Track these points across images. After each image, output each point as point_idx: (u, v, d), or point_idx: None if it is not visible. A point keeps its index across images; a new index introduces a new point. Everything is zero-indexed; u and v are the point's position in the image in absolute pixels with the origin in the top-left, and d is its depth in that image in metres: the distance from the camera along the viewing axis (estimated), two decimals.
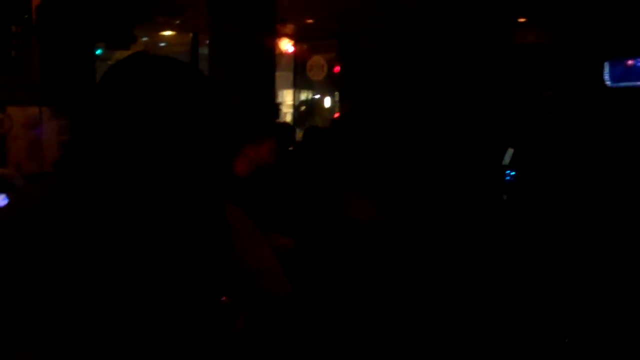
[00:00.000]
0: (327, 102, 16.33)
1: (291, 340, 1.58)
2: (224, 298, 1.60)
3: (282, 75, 14.43)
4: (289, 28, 11.77)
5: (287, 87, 16.84)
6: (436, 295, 4.18)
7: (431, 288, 4.13)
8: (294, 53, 14.03)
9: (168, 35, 13.12)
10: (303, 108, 16.26)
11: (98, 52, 8.48)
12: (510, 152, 7.05)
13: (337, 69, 13.26)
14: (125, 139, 1.24)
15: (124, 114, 1.25)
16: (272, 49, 6.49)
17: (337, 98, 14.69)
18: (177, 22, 11.33)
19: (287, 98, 17.64)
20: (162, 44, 14.04)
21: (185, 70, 1.33)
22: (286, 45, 13.20)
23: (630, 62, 9.38)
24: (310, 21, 11.23)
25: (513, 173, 6.71)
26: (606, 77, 9.50)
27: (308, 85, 15.89)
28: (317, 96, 16.83)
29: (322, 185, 4.20)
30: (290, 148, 6.14)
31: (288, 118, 16.26)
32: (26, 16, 5.70)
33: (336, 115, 14.13)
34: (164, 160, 1.26)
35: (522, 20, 10.39)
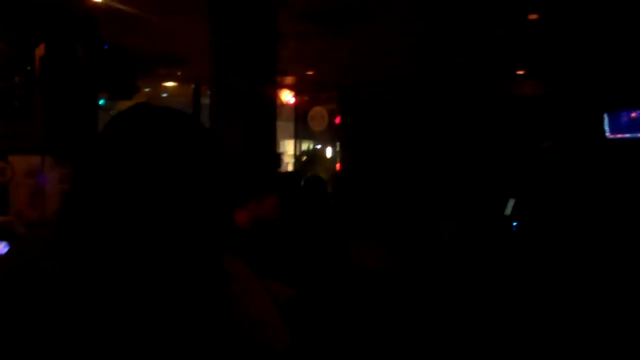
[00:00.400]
0: (329, 152, 16.39)
1: None
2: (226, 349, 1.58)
3: (284, 125, 14.52)
4: (290, 79, 11.88)
5: (288, 137, 16.93)
6: (443, 342, 4.13)
7: (438, 335, 4.09)
8: (295, 104, 14.13)
9: (170, 86, 13.24)
10: (304, 158, 16.33)
11: (101, 102, 8.55)
12: (511, 202, 7.05)
13: (338, 119, 13.35)
14: (124, 190, 1.25)
15: (123, 165, 1.26)
16: (273, 99, 6.53)
17: (338, 148, 14.76)
18: (179, 73, 11.45)
19: (288, 148, 17.72)
20: (165, 95, 14.16)
21: (185, 122, 1.35)
22: (287, 96, 13.31)
23: (631, 114, 9.45)
24: (310, 73, 11.34)
25: (515, 223, 6.70)
26: (606, 128, 9.56)
27: (309, 135, 15.98)
28: (319, 146, 16.91)
29: (329, 232, 4.18)
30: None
31: (290, 168, 16.30)
32: (29, 67, 5.76)
33: (337, 165, 14.17)
34: (162, 212, 1.26)
35: (521, 72, 10.50)
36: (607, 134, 9.49)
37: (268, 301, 1.55)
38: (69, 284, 1.30)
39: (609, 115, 9.55)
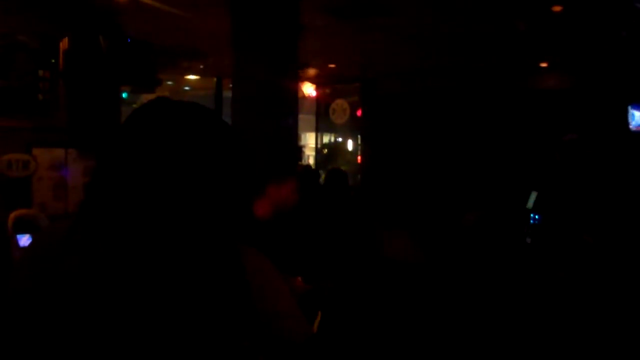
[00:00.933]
0: (350, 144, 16.38)
1: None
2: (246, 343, 1.58)
3: (305, 118, 14.53)
4: (312, 72, 11.88)
5: (309, 130, 16.94)
6: (459, 333, 4.15)
7: (455, 326, 4.11)
8: (317, 97, 14.12)
9: (192, 79, 13.28)
10: (325, 151, 16.33)
11: (124, 95, 8.60)
12: (534, 195, 7.00)
13: (359, 112, 13.32)
14: (144, 182, 1.27)
15: (143, 158, 1.27)
16: (295, 92, 6.53)
17: (359, 141, 14.74)
18: (202, 66, 11.48)
19: (309, 141, 17.73)
20: (187, 88, 14.21)
21: (204, 116, 1.36)
22: (309, 89, 13.31)
23: None
24: (332, 66, 11.32)
25: (537, 217, 6.66)
26: (630, 120, 9.45)
27: (331, 128, 15.98)
28: (340, 139, 16.90)
29: (351, 224, 4.18)
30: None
31: (311, 161, 16.32)
32: (53, 61, 5.81)
33: (358, 158, 14.16)
34: (182, 204, 1.27)
35: (544, 65, 10.41)
36: (631, 127, 9.39)
37: (288, 294, 1.55)
38: (87, 281, 1.31)
39: (633, 108, 9.44)
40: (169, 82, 13.08)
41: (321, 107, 14.62)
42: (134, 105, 1.41)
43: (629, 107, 9.40)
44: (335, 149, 16.58)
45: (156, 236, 1.29)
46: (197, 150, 1.29)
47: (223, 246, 1.41)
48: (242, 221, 1.40)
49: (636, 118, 9.39)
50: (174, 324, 1.33)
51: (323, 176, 6.84)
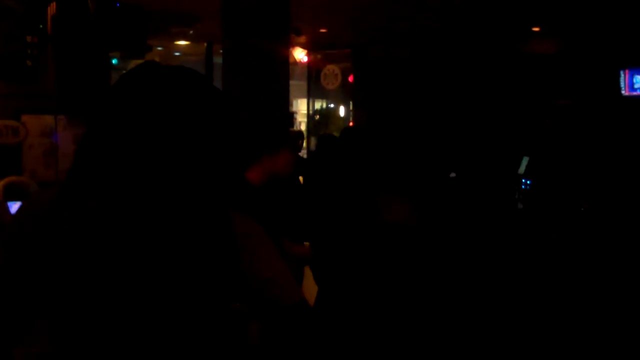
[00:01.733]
0: (342, 111, 16.34)
1: (301, 348, 1.57)
2: (237, 305, 1.59)
3: (297, 84, 14.47)
4: (303, 37, 11.80)
5: (301, 96, 16.89)
6: (441, 299, 4.18)
7: (438, 292, 4.14)
8: (308, 62, 14.06)
9: (183, 45, 13.19)
10: (317, 117, 16.30)
11: (114, 61, 8.53)
12: (525, 160, 7.02)
13: (351, 78, 13.27)
14: (132, 147, 1.26)
15: (132, 122, 1.26)
16: (286, 57, 6.49)
17: (351, 107, 14.71)
18: (192, 32, 11.39)
19: (301, 107, 17.69)
20: (177, 54, 14.11)
21: (194, 79, 1.35)
22: (300, 55, 13.23)
23: None
24: (324, 31, 11.25)
25: (529, 182, 6.68)
26: (622, 85, 9.45)
27: (322, 94, 15.92)
28: (332, 105, 16.86)
29: (355, 189, 4.18)
30: (300, 154, 6.13)
31: (302, 127, 16.29)
32: (41, 26, 5.74)
33: (350, 124, 14.14)
34: (171, 168, 1.27)
35: (536, 29, 10.37)
36: (623, 92, 9.39)
37: (279, 259, 1.55)
38: (76, 240, 1.30)
39: (625, 73, 9.44)
40: (159, 48, 12.98)
41: (312, 72, 14.57)
42: (124, 72, 1.39)
43: (621, 72, 9.40)
44: (327, 115, 16.54)
45: (147, 200, 1.29)
46: (187, 113, 1.28)
47: (214, 210, 1.41)
48: (233, 186, 1.39)
49: (630, 82, 9.39)
50: (163, 284, 1.33)
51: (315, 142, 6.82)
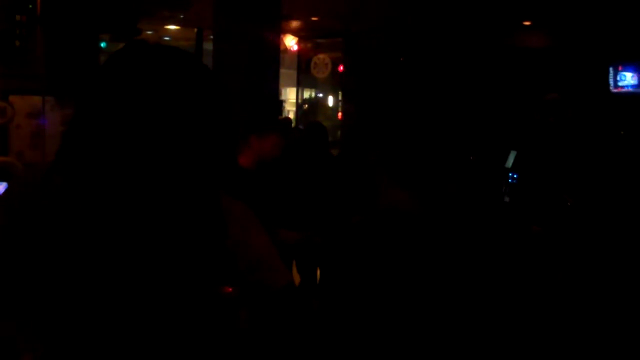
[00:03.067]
0: (331, 100, 16.33)
1: (290, 331, 1.57)
2: (229, 289, 1.58)
3: (286, 73, 14.44)
4: (294, 25, 11.77)
5: (290, 85, 16.86)
6: (435, 294, 4.18)
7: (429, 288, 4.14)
8: (298, 51, 14.03)
9: (173, 30, 13.13)
10: (306, 106, 16.27)
11: (102, 45, 8.47)
12: (513, 154, 7.03)
13: (341, 67, 13.26)
14: (121, 128, 1.24)
15: (120, 103, 1.25)
16: (277, 44, 6.48)
17: (340, 97, 14.70)
18: (182, 16, 11.34)
19: (290, 96, 17.66)
20: (167, 38, 14.04)
21: (183, 59, 1.33)
22: (291, 42, 13.20)
23: (636, 67, 9.36)
24: (315, 19, 11.22)
25: (515, 176, 6.69)
26: (611, 81, 9.49)
27: (312, 83, 15.90)
28: (321, 95, 16.84)
29: (331, 177, 4.19)
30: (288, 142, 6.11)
31: (291, 116, 16.27)
32: (30, 6, 5.69)
33: (339, 114, 14.14)
34: (160, 148, 1.25)
35: (527, 23, 10.39)
36: (612, 88, 9.43)
37: (268, 242, 1.55)
38: (65, 222, 1.30)
39: (614, 69, 9.47)
40: (149, 32, 12.90)
41: (302, 61, 14.54)
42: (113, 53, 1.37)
43: (610, 68, 9.43)
44: (316, 105, 16.52)
45: (134, 181, 1.28)
46: (176, 93, 1.26)
47: (203, 192, 1.40)
48: (224, 168, 1.38)
49: (618, 79, 9.41)
50: (149, 265, 1.33)
51: None
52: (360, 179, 4.10)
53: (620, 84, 9.44)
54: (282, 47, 10.35)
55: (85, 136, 1.28)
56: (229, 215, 1.45)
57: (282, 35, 11.01)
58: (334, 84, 14.81)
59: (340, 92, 14.58)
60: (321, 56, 13.07)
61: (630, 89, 9.36)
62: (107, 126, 1.25)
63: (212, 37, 6.91)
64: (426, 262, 2.05)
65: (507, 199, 6.69)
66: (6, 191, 1.42)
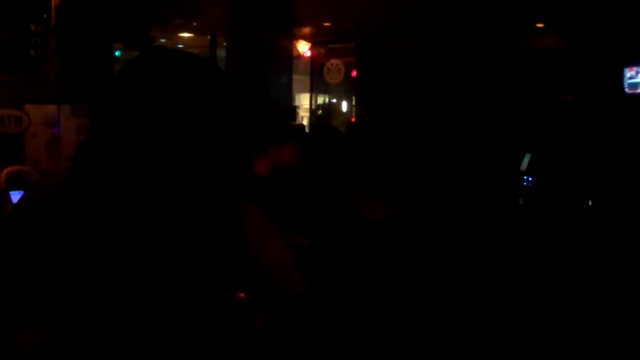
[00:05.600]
0: (344, 106, 16.31)
1: (304, 337, 1.57)
2: (242, 295, 1.59)
3: (300, 79, 14.44)
4: (307, 31, 11.78)
5: (304, 91, 16.86)
6: (446, 295, 4.17)
7: (441, 288, 4.13)
8: (311, 57, 14.03)
9: (186, 37, 13.17)
10: (320, 112, 16.27)
11: (117, 53, 8.51)
12: (527, 157, 7.01)
13: (354, 72, 13.24)
14: (139, 134, 1.24)
15: (139, 108, 1.24)
16: (290, 51, 6.49)
17: (353, 102, 14.68)
18: (195, 24, 11.36)
19: (304, 102, 17.65)
20: (180, 46, 14.08)
21: (201, 65, 1.32)
22: (304, 48, 13.20)
23: None
24: (327, 24, 11.22)
25: (530, 178, 6.67)
26: (625, 83, 9.42)
27: (325, 89, 15.90)
28: (334, 100, 16.83)
29: (334, 185, 4.19)
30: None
31: (305, 122, 16.26)
32: (45, 15, 5.73)
33: (352, 119, 14.11)
34: (179, 155, 1.25)
35: (540, 25, 10.34)
36: (626, 90, 9.36)
37: (284, 249, 1.55)
38: (83, 229, 1.30)
39: (629, 70, 9.40)
40: (162, 40, 12.95)
41: (315, 67, 14.54)
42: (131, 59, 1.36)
43: (625, 69, 9.36)
44: (330, 110, 16.51)
45: (154, 188, 1.28)
46: (194, 99, 1.26)
47: (222, 199, 1.40)
48: (241, 175, 1.38)
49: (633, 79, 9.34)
50: (168, 272, 1.33)
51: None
52: (337, 188, 4.10)
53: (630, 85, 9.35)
54: (295, 53, 10.35)
55: (106, 142, 1.28)
56: (247, 222, 1.45)
57: (294, 41, 11.02)
58: (347, 89, 14.80)
59: (353, 97, 14.56)
60: (334, 61, 13.06)
61: None
62: (126, 132, 1.24)
63: (225, 44, 6.92)
64: (402, 272, 2.06)
65: (521, 202, 6.67)
66: (22, 198, 1.43)
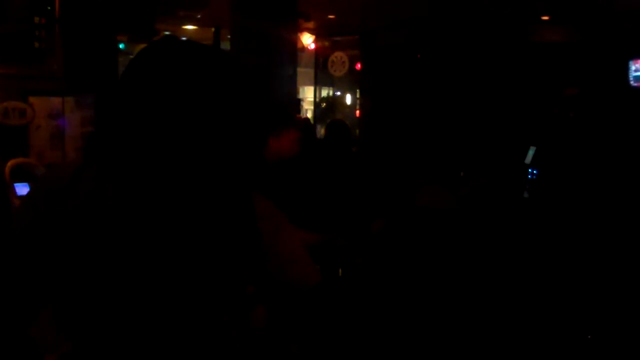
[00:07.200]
0: (348, 99, 16.30)
1: (316, 329, 1.57)
2: (252, 288, 1.58)
3: (304, 72, 14.42)
4: (311, 23, 11.76)
5: (308, 84, 16.85)
6: (445, 295, 4.19)
7: (441, 288, 4.15)
8: (315, 50, 14.01)
9: (190, 29, 13.16)
10: (324, 105, 16.26)
11: (121, 46, 8.51)
12: (532, 150, 6.99)
13: (358, 65, 13.22)
14: (151, 125, 1.22)
15: (151, 100, 1.22)
16: (294, 43, 6.47)
17: (357, 95, 14.66)
18: (199, 16, 11.35)
19: (308, 95, 17.64)
20: (184, 38, 14.05)
21: (214, 55, 1.30)
22: (308, 40, 13.19)
23: None
24: (332, 17, 11.20)
25: (535, 171, 6.66)
26: (630, 76, 9.39)
27: (329, 82, 15.89)
28: (338, 93, 16.82)
29: (388, 175, 4.17)
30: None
31: (309, 114, 16.25)
32: (49, 7, 5.72)
33: (357, 112, 14.11)
34: (192, 147, 1.23)
35: (545, 18, 10.31)
36: (632, 82, 9.33)
37: (297, 241, 1.55)
38: (94, 219, 1.29)
39: (634, 63, 9.37)
40: (166, 32, 12.94)
41: (320, 60, 14.52)
42: (131, 57, 1.34)
43: (630, 62, 9.33)
44: (334, 103, 16.50)
45: (164, 179, 1.26)
46: (207, 88, 1.23)
47: (235, 191, 1.38)
48: (254, 167, 1.37)
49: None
50: (181, 265, 1.32)
51: (322, 130, 6.77)
52: (384, 179, 4.08)
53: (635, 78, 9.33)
54: (299, 46, 10.34)
55: (116, 134, 1.26)
56: (259, 214, 1.44)
57: (299, 34, 11.00)
58: (351, 82, 14.79)
59: (358, 90, 14.54)
60: (338, 54, 13.04)
61: None
62: (138, 123, 1.22)
63: (229, 36, 6.90)
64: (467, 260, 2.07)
65: (526, 195, 6.66)
66: (32, 188, 1.42)
